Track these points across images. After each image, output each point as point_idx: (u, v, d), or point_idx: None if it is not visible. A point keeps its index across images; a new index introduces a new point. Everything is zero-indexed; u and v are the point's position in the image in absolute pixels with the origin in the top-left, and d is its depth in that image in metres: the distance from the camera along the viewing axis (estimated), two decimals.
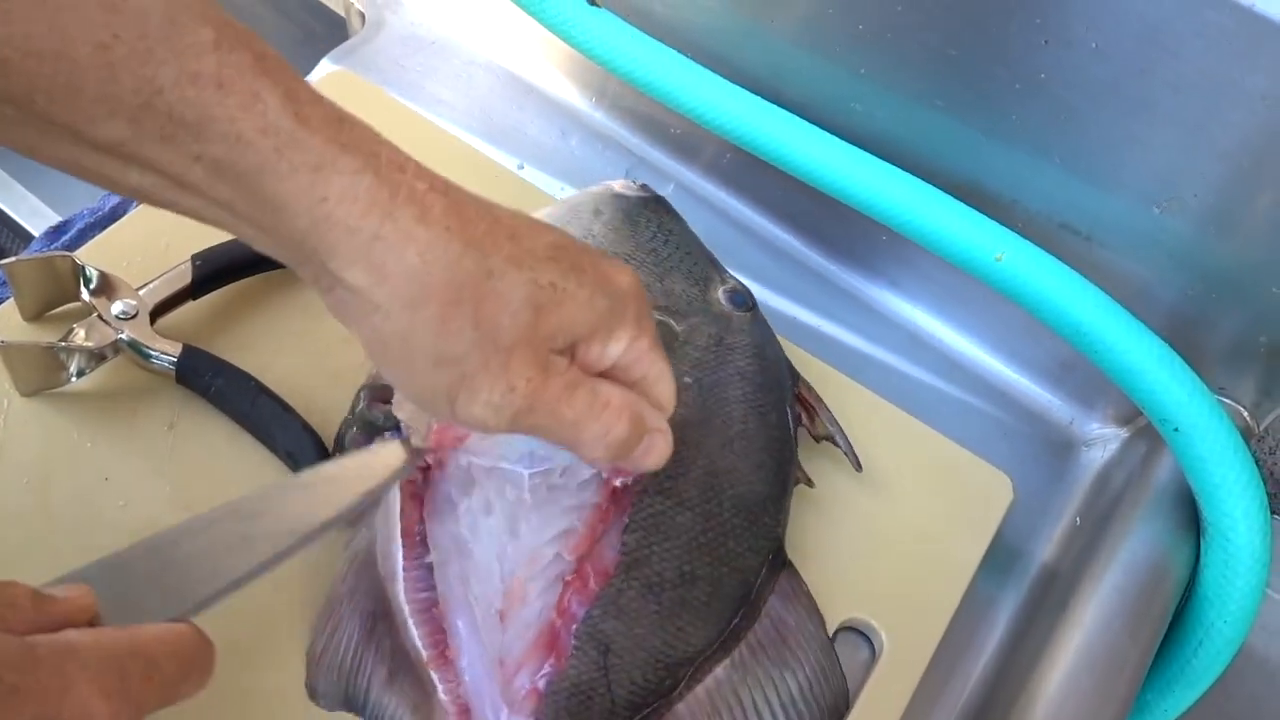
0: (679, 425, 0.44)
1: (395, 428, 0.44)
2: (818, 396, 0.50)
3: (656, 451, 0.37)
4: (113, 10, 0.28)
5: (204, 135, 0.29)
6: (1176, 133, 0.44)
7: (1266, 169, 0.43)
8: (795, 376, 0.50)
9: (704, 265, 0.51)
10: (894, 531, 0.50)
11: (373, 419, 0.44)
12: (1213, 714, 0.53)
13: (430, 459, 0.42)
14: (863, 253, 0.60)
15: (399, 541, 0.41)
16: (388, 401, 0.46)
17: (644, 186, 0.53)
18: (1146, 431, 0.54)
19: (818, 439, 0.50)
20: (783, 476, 0.46)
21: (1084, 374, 0.57)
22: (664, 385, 0.37)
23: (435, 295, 0.31)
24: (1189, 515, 0.49)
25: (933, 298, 0.59)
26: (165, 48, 0.29)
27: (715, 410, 0.45)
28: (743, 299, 0.50)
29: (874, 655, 0.48)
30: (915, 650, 0.47)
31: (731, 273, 0.52)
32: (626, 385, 0.36)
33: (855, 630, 0.48)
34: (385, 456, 0.38)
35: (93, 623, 0.31)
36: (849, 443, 0.50)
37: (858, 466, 0.50)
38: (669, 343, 0.46)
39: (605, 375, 0.36)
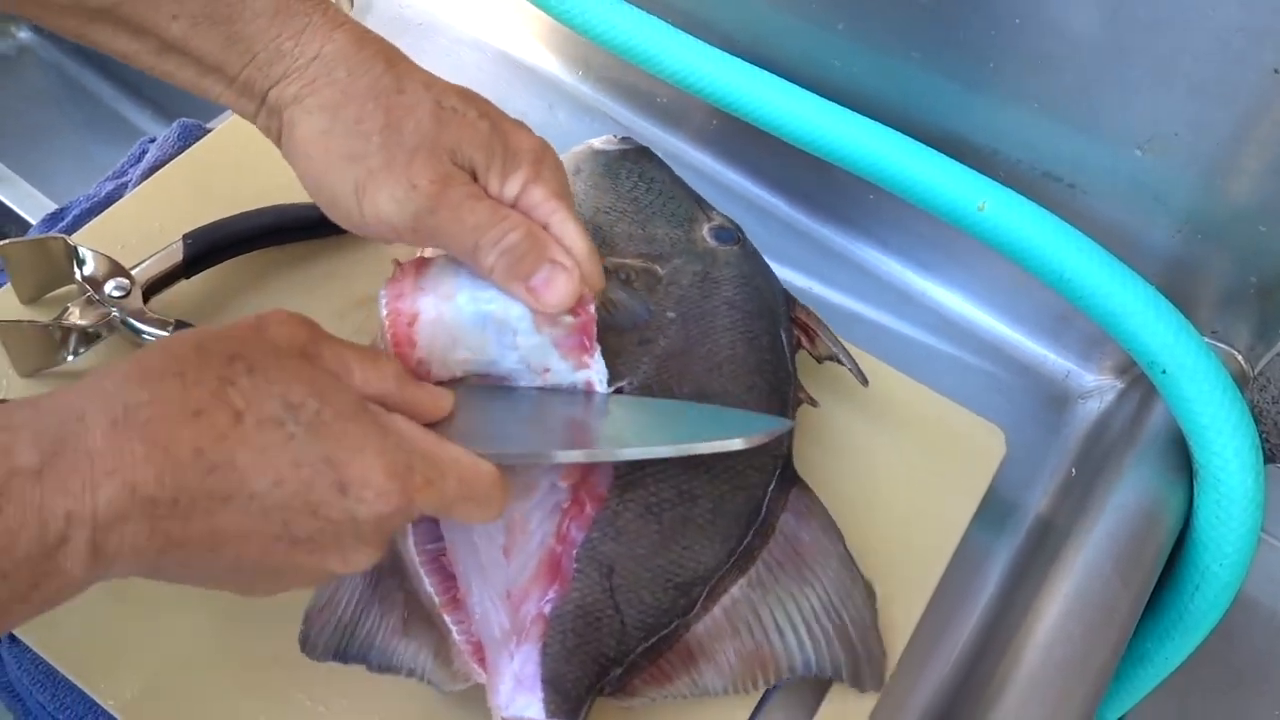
0: (662, 356, 0.45)
1: None
2: (818, 319, 0.50)
3: (559, 285, 0.38)
4: None
5: None
6: (1153, 71, 0.44)
7: (1244, 103, 0.42)
8: (791, 302, 0.50)
9: (688, 206, 0.51)
10: (888, 486, 0.50)
11: None
12: (1217, 665, 0.53)
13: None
14: (850, 213, 0.60)
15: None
16: None
17: (625, 139, 0.54)
18: (1141, 381, 0.54)
19: (820, 359, 0.51)
20: (779, 397, 0.46)
21: (1079, 327, 0.56)
22: (570, 233, 0.39)
23: (354, 99, 0.37)
24: (1182, 460, 0.48)
25: (922, 256, 0.59)
26: None
27: (700, 340, 0.46)
28: (729, 234, 0.50)
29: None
30: (910, 601, 0.47)
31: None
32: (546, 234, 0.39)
33: None
34: None
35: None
36: (852, 359, 0.50)
37: (863, 381, 0.50)
38: (651, 286, 0.47)
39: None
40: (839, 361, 0.50)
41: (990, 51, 0.47)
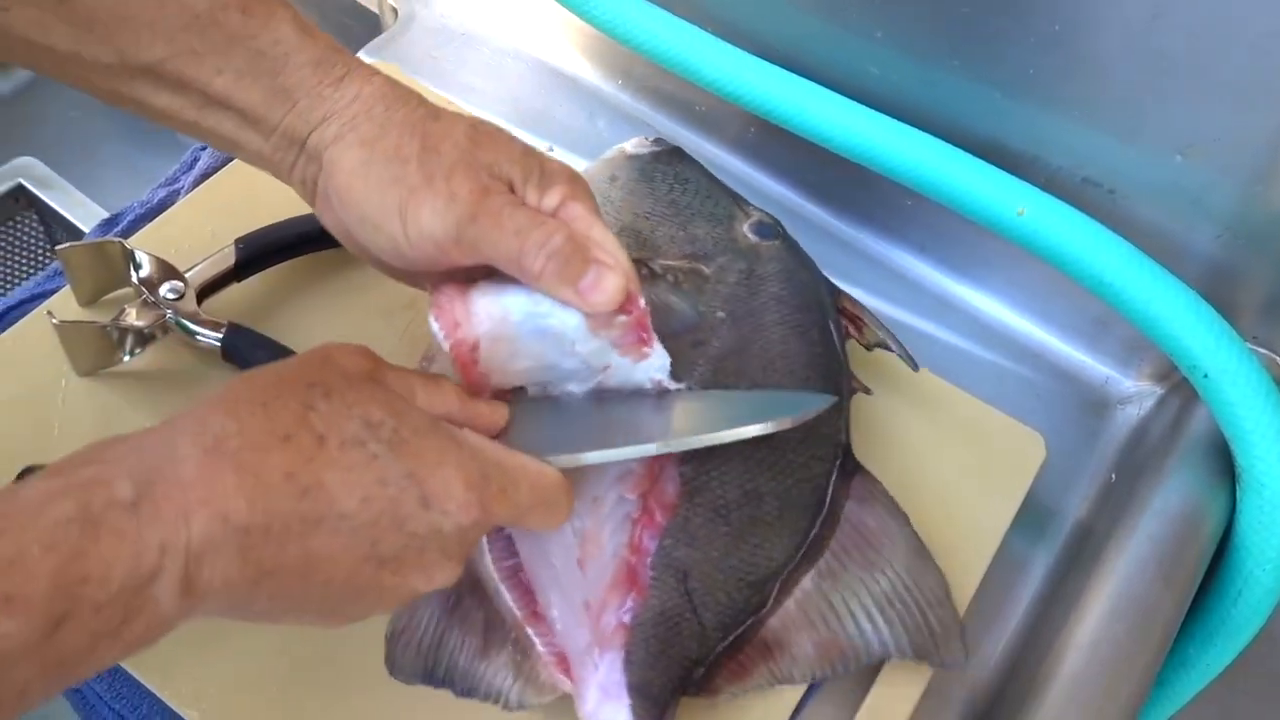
0: (717, 357, 0.45)
1: None
2: (862, 307, 0.51)
3: (607, 285, 0.38)
4: None
5: (230, 51, 0.37)
6: (1192, 78, 0.44)
7: None
8: (836, 292, 0.51)
9: (726, 205, 0.52)
10: (927, 490, 0.50)
11: None
12: (1260, 670, 0.52)
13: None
14: (888, 219, 0.60)
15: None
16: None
17: (657, 140, 0.54)
18: (1181, 387, 0.54)
19: (869, 347, 0.51)
20: (834, 388, 0.47)
21: (1118, 333, 0.56)
22: (610, 242, 0.39)
23: (392, 130, 0.38)
24: (1224, 465, 0.48)
25: (960, 262, 0.59)
26: None
27: (752, 337, 0.46)
28: (769, 230, 0.51)
29: None
30: (954, 596, 0.47)
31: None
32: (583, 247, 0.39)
33: None
34: None
35: None
36: (900, 344, 0.50)
37: (914, 366, 0.50)
38: (699, 286, 0.47)
39: None
40: (888, 348, 0.50)
41: (1029, 58, 0.48)
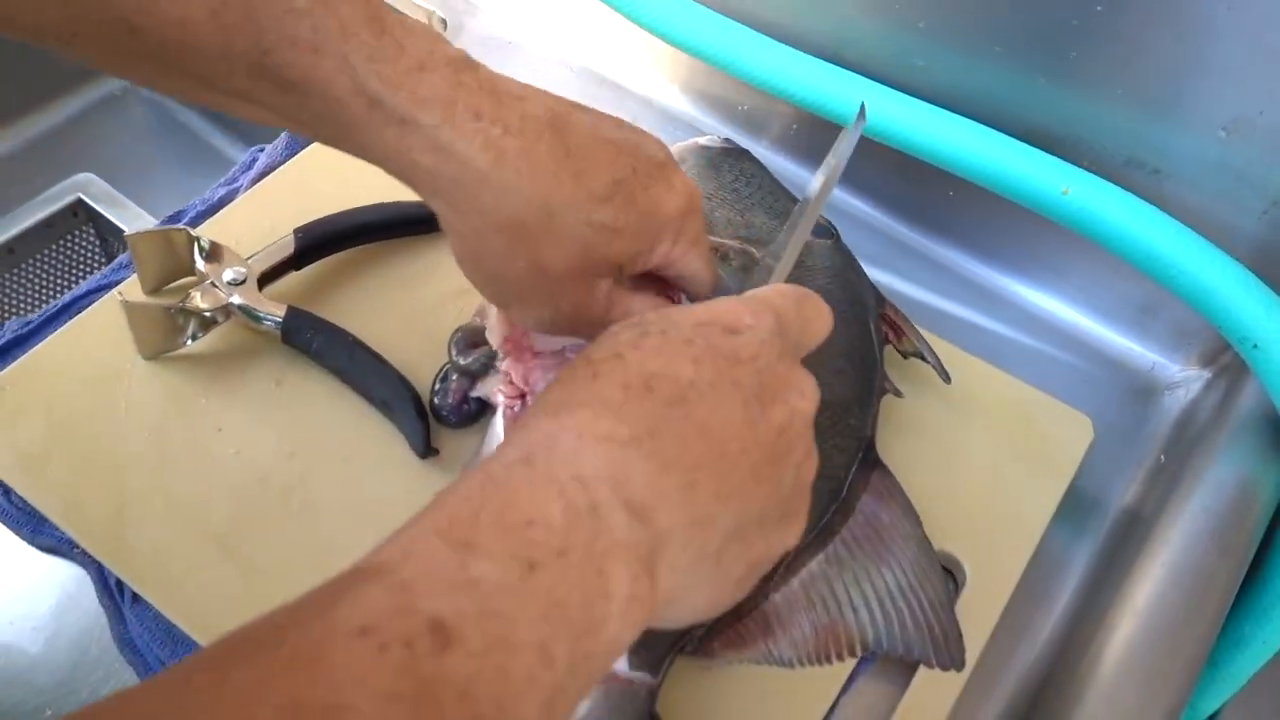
0: None
1: (484, 370, 0.47)
2: (904, 316, 0.52)
3: None
4: None
5: (307, 93, 0.34)
6: (1235, 50, 0.44)
7: None
8: (881, 299, 0.52)
9: (785, 202, 0.53)
10: (977, 471, 0.51)
11: (465, 366, 0.47)
12: None
13: (525, 388, 0.44)
14: (931, 212, 0.61)
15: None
16: (476, 345, 0.48)
17: (727, 140, 0.56)
18: (1229, 369, 0.54)
19: (905, 355, 0.52)
20: (866, 383, 0.48)
21: (1165, 319, 0.57)
22: (700, 279, 0.41)
23: (502, 231, 0.36)
24: (1275, 438, 0.48)
25: (1004, 252, 0.60)
26: (265, 13, 0.33)
27: None
28: (823, 229, 0.52)
29: (958, 588, 0.48)
30: (999, 581, 0.47)
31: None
32: (668, 277, 0.41)
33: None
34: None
35: None
36: (936, 356, 0.51)
37: (946, 378, 0.51)
38: (748, 266, 0.49)
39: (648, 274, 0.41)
40: (923, 359, 0.52)
41: (1071, 41, 0.49)
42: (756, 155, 0.65)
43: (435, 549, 0.25)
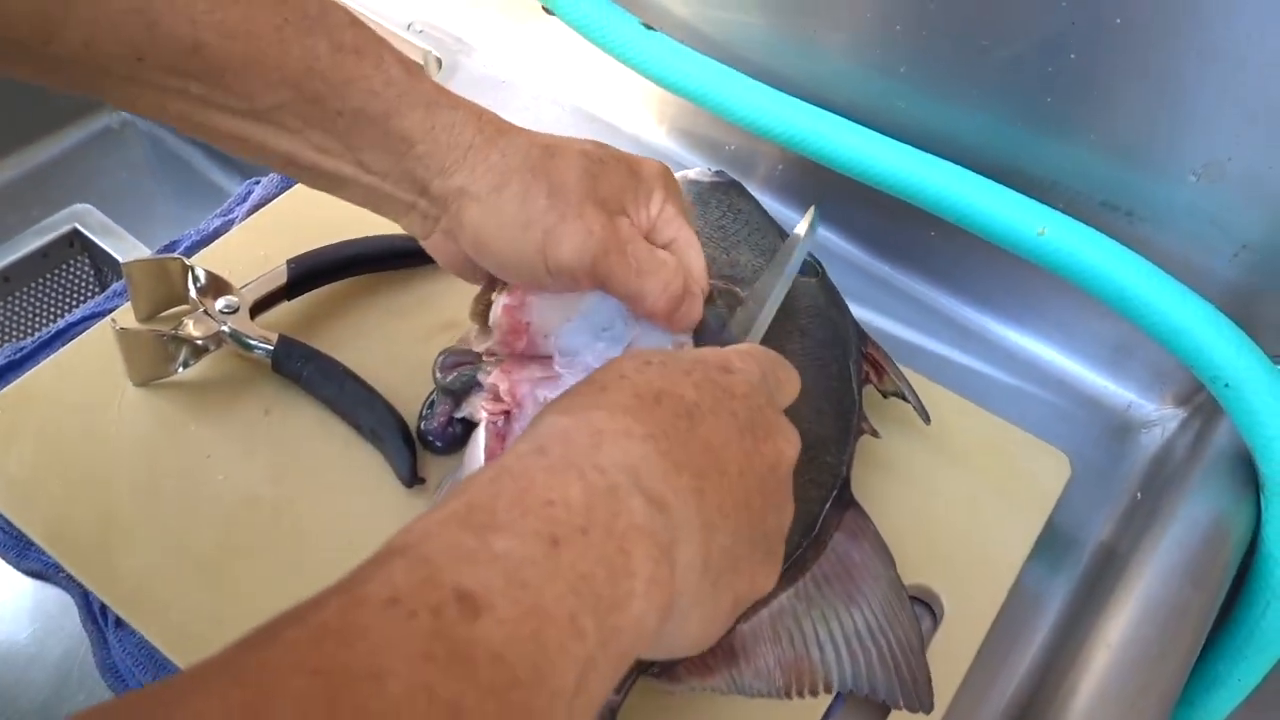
0: None
1: (467, 388, 0.48)
2: (886, 356, 0.53)
3: (690, 313, 0.43)
4: (284, 1, 0.38)
5: (347, 92, 0.39)
6: (1205, 98, 0.46)
7: None
8: (864, 338, 0.53)
9: (772, 238, 0.54)
10: (954, 507, 0.51)
11: (447, 384, 0.48)
12: None
13: (508, 400, 0.45)
14: (913, 251, 0.62)
15: None
16: (459, 366, 0.49)
17: (718, 173, 0.57)
18: (1203, 409, 0.55)
19: (885, 394, 0.53)
20: (844, 422, 0.49)
21: (1140, 359, 0.58)
22: (694, 251, 0.44)
23: (515, 176, 0.40)
24: (1248, 476, 0.49)
25: (983, 291, 0.61)
26: (320, 25, 0.38)
27: None
28: (808, 267, 0.53)
29: (936, 622, 0.48)
30: (976, 616, 0.48)
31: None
32: (662, 245, 0.43)
33: (916, 599, 0.49)
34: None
35: None
36: (917, 397, 0.52)
37: (926, 419, 0.52)
38: (731, 306, 0.49)
39: (648, 236, 0.43)
40: (904, 398, 0.52)
41: (1046, 87, 0.50)
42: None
43: (455, 531, 0.26)
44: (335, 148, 0.40)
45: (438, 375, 0.49)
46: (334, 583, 0.25)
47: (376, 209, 0.43)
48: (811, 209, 0.54)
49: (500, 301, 0.46)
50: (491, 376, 0.46)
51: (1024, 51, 0.50)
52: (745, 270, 0.52)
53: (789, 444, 0.36)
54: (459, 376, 0.48)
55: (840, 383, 0.50)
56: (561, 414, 0.31)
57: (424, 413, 0.51)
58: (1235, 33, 0.43)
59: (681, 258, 0.44)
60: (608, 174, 0.42)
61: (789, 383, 0.39)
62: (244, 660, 0.22)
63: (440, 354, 0.49)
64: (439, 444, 0.50)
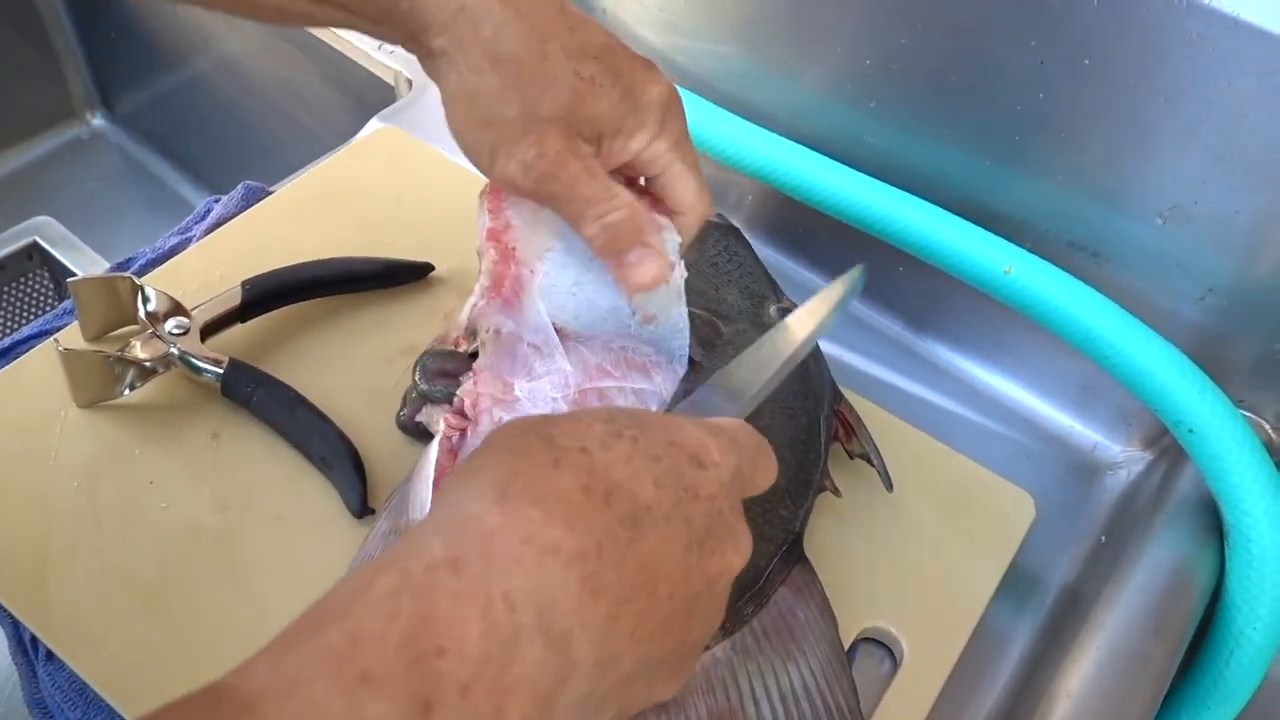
0: None
1: (448, 399, 0.47)
2: (858, 418, 0.51)
3: (647, 268, 0.41)
4: None
5: None
6: (1171, 142, 0.46)
7: (1260, 172, 0.44)
8: (839, 396, 0.52)
9: (761, 284, 0.53)
10: (918, 546, 0.51)
11: (429, 393, 0.48)
12: None
13: (471, 418, 0.44)
14: (881, 286, 0.61)
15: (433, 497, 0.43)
16: (445, 375, 0.48)
17: (720, 215, 0.56)
18: (1169, 452, 0.54)
19: (852, 455, 0.52)
20: (804, 476, 0.47)
21: (1107, 400, 0.57)
22: (684, 183, 0.42)
23: (498, 66, 0.38)
24: (1212, 523, 0.48)
25: (951, 328, 0.60)
26: None
27: None
28: (789, 314, 0.52)
29: (895, 665, 0.47)
30: (937, 659, 0.47)
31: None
32: (647, 177, 0.42)
33: (877, 641, 0.48)
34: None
35: None
36: (883, 462, 0.51)
37: (889, 486, 0.51)
38: (712, 338, 0.49)
39: (628, 168, 0.42)
40: (869, 462, 0.51)
41: (1015, 126, 0.50)
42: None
43: (324, 688, 0.23)
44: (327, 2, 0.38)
45: (418, 378, 0.48)
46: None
47: (384, 37, 0.41)
48: (858, 268, 0.44)
49: (483, 224, 0.45)
50: (464, 388, 0.45)
51: (993, 90, 0.49)
52: (731, 309, 0.51)
53: (737, 554, 0.32)
54: (442, 390, 0.46)
55: (808, 435, 0.49)
56: (494, 501, 0.28)
57: (401, 411, 0.51)
58: (1201, 78, 0.43)
59: (668, 192, 0.42)
60: (595, 97, 0.39)
61: (766, 471, 0.35)
62: None
63: (424, 355, 0.48)
64: (415, 436, 0.50)
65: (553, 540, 0.27)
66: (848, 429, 0.51)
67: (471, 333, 0.46)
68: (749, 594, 0.44)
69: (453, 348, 0.47)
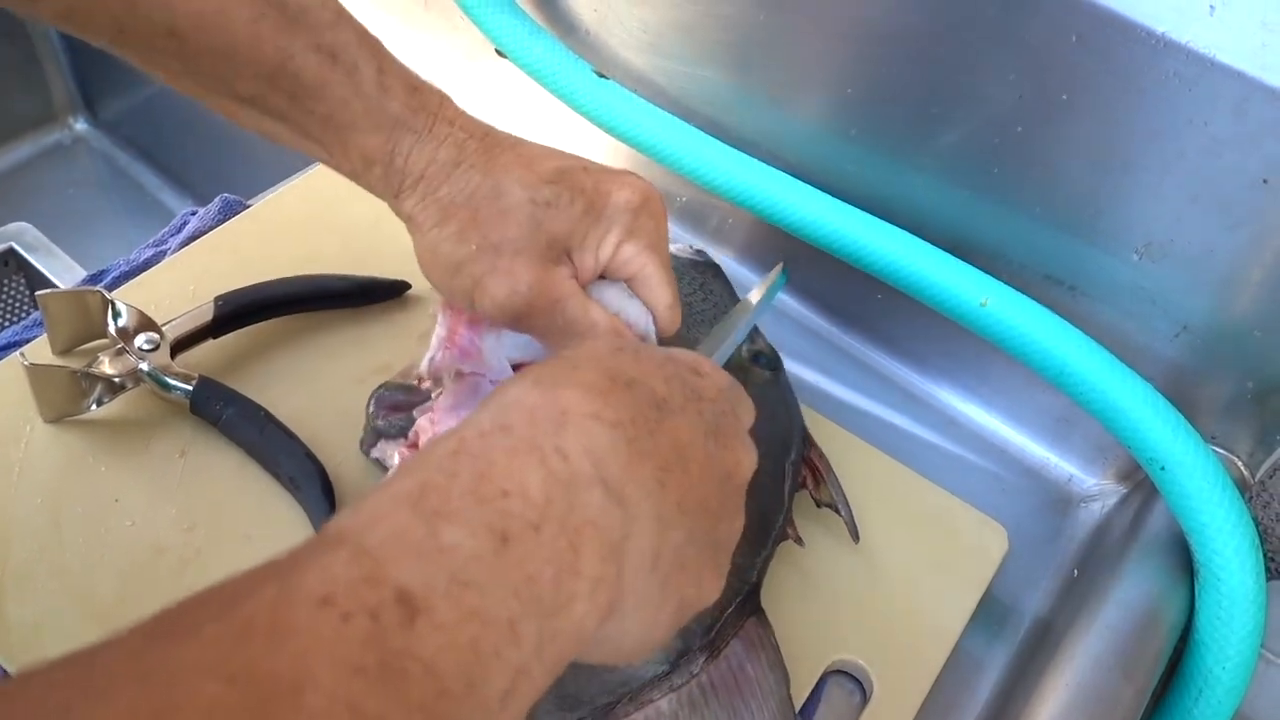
0: None
1: (402, 434, 0.47)
2: (828, 465, 0.51)
3: None
4: None
5: (318, 95, 0.39)
6: (1147, 180, 0.46)
7: (1235, 212, 0.44)
8: (808, 442, 0.51)
9: None
10: (888, 578, 0.50)
11: (380, 429, 0.47)
12: None
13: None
14: (859, 313, 0.61)
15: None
16: (398, 409, 0.48)
17: (699, 252, 0.56)
18: (1144, 485, 0.54)
19: (819, 504, 0.51)
20: (764, 525, 0.47)
21: (1082, 432, 0.57)
22: (658, 286, 0.43)
23: (455, 215, 0.40)
24: (1184, 561, 0.48)
25: (928, 357, 0.60)
26: (298, 24, 0.38)
27: None
28: (766, 359, 0.52)
29: (865, 700, 0.47)
30: (908, 692, 0.47)
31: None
32: (624, 280, 0.43)
33: (847, 674, 0.48)
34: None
35: None
36: (851, 513, 0.50)
37: (855, 537, 0.50)
38: None
39: (605, 276, 0.43)
40: (836, 511, 0.50)
41: (992, 159, 0.50)
42: (696, 245, 0.66)
43: (404, 517, 0.25)
44: (312, 141, 0.41)
45: (372, 411, 0.47)
46: (265, 566, 0.23)
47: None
48: (779, 266, 0.51)
49: (437, 335, 0.45)
50: (420, 420, 0.44)
51: (972, 122, 0.49)
52: (703, 349, 0.51)
53: (748, 456, 0.34)
54: (393, 423, 0.46)
55: (771, 482, 0.48)
56: (530, 386, 0.30)
57: (363, 436, 0.50)
58: (1177, 116, 0.43)
59: (642, 294, 0.43)
60: (555, 217, 0.41)
61: (745, 407, 0.37)
62: (155, 655, 0.20)
63: (379, 388, 0.47)
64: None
65: (593, 409, 0.29)
66: (816, 476, 0.51)
67: (435, 378, 0.45)
68: (701, 642, 0.42)
69: (414, 382, 0.47)
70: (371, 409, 0.47)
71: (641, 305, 0.44)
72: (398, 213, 0.42)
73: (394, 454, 0.44)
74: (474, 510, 0.25)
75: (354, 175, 0.42)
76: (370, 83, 0.39)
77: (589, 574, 0.26)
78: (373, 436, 0.47)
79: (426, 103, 0.41)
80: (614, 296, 0.44)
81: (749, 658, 0.43)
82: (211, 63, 0.37)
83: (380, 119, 0.39)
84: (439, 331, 0.44)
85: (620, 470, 0.29)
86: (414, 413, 0.45)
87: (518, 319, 0.40)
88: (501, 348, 0.44)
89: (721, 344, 0.43)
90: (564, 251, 0.41)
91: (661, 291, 0.43)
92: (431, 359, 0.45)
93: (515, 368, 0.46)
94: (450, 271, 0.41)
